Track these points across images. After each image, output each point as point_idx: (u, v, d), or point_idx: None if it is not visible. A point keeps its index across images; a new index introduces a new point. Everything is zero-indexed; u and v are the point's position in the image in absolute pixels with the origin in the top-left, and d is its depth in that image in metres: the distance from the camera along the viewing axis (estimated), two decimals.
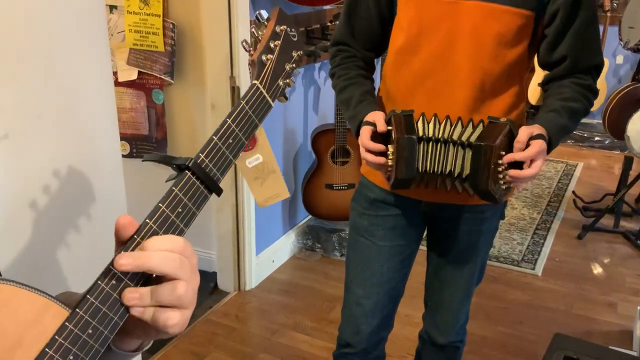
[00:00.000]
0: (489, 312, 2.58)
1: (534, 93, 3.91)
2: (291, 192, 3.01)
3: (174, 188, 0.62)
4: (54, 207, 1.49)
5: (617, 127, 3.90)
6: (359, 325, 1.52)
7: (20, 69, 1.36)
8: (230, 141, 0.68)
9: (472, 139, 1.20)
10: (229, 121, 0.68)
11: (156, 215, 0.61)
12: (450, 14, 1.25)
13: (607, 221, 3.33)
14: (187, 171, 0.64)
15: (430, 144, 1.22)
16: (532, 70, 3.93)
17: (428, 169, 1.23)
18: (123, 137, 2.59)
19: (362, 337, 1.52)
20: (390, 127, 1.23)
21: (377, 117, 1.26)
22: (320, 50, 2.75)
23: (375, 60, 1.51)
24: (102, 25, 1.58)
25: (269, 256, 2.88)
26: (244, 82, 2.40)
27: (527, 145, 1.16)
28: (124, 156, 1.79)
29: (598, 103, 4.18)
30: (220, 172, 0.67)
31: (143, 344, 0.66)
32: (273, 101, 0.75)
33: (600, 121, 4.35)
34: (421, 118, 1.24)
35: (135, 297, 0.58)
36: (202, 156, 0.65)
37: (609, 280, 2.86)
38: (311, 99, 3.03)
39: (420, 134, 1.22)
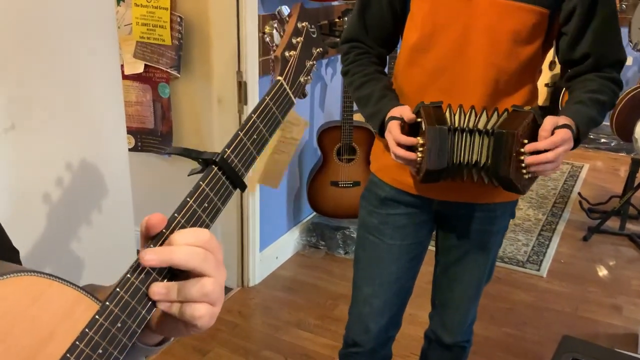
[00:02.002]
0: (494, 313, 2.56)
1: (540, 94, 3.88)
2: (296, 189, 3.00)
3: (201, 183, 0.62)
4: (61, 198, 1.48)
5: (625, 129, 3.88)
6: (367, 324, 1.51)
7: (27, 61, 1.35)
8: (255, 137, 0.68)
9: (494, 126, 1.19)
10: (254, 117, 0.68)
11: (184, 210, 0.60)
12: (465, 11, 1.23)
13: (612, 223, 3.32)
14: (213, 166, 0.63)
15: (458, 134, 1.20)
16: (539, 71, 3.91)
17: (457, 159, 1.21)
18: (128, 131, 2.58)
19: (371, 337, 1.51)
20: (419, 119, 1.21)
21: (403, 111, 1.24)
22: (328, 46, 2.75)
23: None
24: (110, 17, 1.57)
25: (273, 253, 2.87)
26: (251, 77, 2.39)
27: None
28: (129, 150, 1.77)
29: None
30: (244, 167, 0.66)
31: (166, 338, 0.66)
32: (295, 97, 0.75)
33: (607, 123, 4.32)
34: (448, 109, 1.22)
35: (162, 292, 0.58)
36: (228, 151, 0.65)
37: (614, 283, 2.85)
38: (317, 96, 3.02)
39: (449, 124, 1.20)
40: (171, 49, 2.48)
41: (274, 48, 0.78)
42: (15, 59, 1.31)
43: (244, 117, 2.42)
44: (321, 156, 2.88)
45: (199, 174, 0.64)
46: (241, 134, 0.67)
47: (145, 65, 2.54)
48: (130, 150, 1.98)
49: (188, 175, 0.62)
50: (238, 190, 0.66)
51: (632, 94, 3.97)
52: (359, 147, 2.83)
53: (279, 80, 0.73)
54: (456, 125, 1.20)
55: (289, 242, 3.00)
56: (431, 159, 1.18)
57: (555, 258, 3.05)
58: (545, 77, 4.56)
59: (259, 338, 2.40)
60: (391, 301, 1.49)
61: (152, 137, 2.68)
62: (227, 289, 2.71)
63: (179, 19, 2.43)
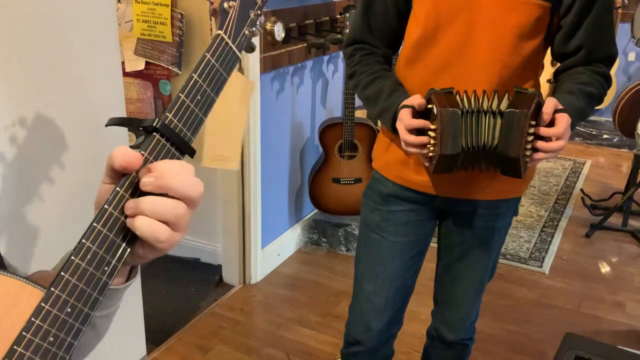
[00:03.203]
0: (496, 310, 2.56)
1: (542, 89, 3.87)
2: (297, 186, 3.00)
3: (143, 152, 0.59)
4: (61, 196, 1.47)
5: (627, 125, 3.87)
6: (369, 322, 1.50)
7: (28, 57, 1.34)
8: (199, 97, 0.64)
9: (503, 107, 1.18)
10: (195, 76, 0.64)
11: (127, 183, 0.58)
12: (468, 6, 1.23)
13: (615, 220, 3.31)
14: (155, 133, 0.60)
15: (469, 116, 1.18)
16: (541, 67, 3.90)
17: (471, 143, 1.19)
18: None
19: (372, 334, 1.51)
20: (430, 105, 1.18)
21: (414, 99, 1.21)
22: (329, 42, 2.75)
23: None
24: (111, 14, 1.57)
25: (275, 250, 2.86)
26: (253, 73, 2.38)
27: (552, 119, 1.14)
28: (130, 147, 1.77)
29: (608, 100, 4.16)
30: (190, 131, 0.63)
31: (130, 275, 0.65)
32: (240, 52, 0.70)
33: (609, 119, 4.31)
34: (457, 94, 1.20)
35: (132, 205, 0.56)
36: (170, 116, 0.61)
37: (617, 279, 2.84)
38: (319, 92, 3.01)
39: (462, 107, 1.18)
40: (172, 45, 2.47)
41: (212, 1, 0.72)
42: (16, 56, 1.31)
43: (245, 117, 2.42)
44: (323, 153, 2.88)
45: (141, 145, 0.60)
46: (182, 96, 0.62)
47: (146, 62, 2.54)
48: (131, 147, 1.97)
49: (130, 147, 0.59)
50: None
51: (635, 89, 3.96)
52: (360, 143, 2.83)
53: (219, 34, 0.68)
54: (466, 107, 1.18)
55: (290, 239, 2.99)
56: (445, 143, 1.15)
57: (558, 255, 3.05)
58: (547, 73, 4.54)
59: (260, 335, 2.39)
60: (393, 299, 1.49)
61: None
62: (229, 286, 2.71)
63: (179, 16, 2.42)
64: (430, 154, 1.18)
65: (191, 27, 2.46)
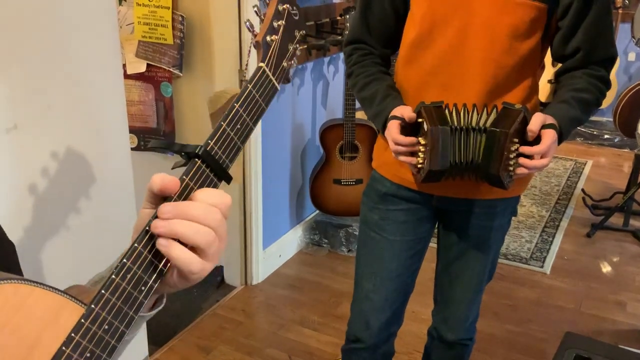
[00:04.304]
0: (497, 310, 2.56)
1: (543, 90, 3.88)
2: (298, 187, 3.01)
3: (184, 177, 0.61)
4: (63, 198, 1.48)
5: (628, 125, 3.87)
6: (368, 320, 1.51)
7: (30, 60, 1.35)
8: (239, 127, 0.66)
9: (488, 124, 1.20)
10: (237, 106, 0.66)
11: None
12: (464, 8, 1.24)
13: (616, 220, 3.31)
14: (196, 159, 0.62)
15: (457, 133, 1.21)
16: (542, 67, 3.90)
17: (458, 159, 1.21)
18: (131, 130, 2.58)
19: (372, 332, 1.51)
20: (420, 119, 1.21)
21: (404, 110, 1.24)
22: (330, 44, 2.75)
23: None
24: (112, 16, 1.58)
25: (276, 251, 2.87)
26: None
27: (539, 134, 1.16)
28: (132, 149, 1.78)
29: (608, 100, 4.16)
30: (229, 159, 0.65)
31: (157, 303, 0.66)
32: (279, 83, 0.73)
33: (610, 119, 4.31)
34: (446, 109, 1.22)
35: (161, 223, 0.58)
36: (212, 143, 0.63)
37: (618, 279, 2.84)
38: (320, 94, 3.02)
39: (450, 123, 1.20)
40: (173, 48, 2.48)
41: (255, 33, 0.74)
42: (18, 59, 1.32)
43: None
44: (324, 154, 2.89)
45: (182, 167, 0.63)
46: (224, 125, 0.65)
47: (148, 65, 2.55)
48: (133, 149, 1.98)
49: (172, 169, 0.61)
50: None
51: (635, 89, 3.96)
52: (361, 144, 2.83)
53: (261, 67, 0.70)
54: (455, 124, 1.21)
55: (292, 240, 3.00)
56: (434, 160, 1.18)
57: (559, 255, 3.05)
58: (548, 73, 4.54)
59: (262, 336, 2.40)
60: (392, 297, 1.50)
61: (154, 136, 2.68)
62: (231, 287, 2.72)
63: (180, 18, 2.43)
64: (419, 166, 1.21)
65: (192, 30, 2.47)
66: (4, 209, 1.34)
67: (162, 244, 0.58)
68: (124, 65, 2.47)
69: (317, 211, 3.09)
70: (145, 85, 2.60)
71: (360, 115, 2.89)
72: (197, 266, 0.59)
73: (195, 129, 2.61)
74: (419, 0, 1.29)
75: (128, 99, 2.53)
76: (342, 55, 1.57)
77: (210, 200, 0.60)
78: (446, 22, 1.26)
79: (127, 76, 2.51)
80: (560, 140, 1.21)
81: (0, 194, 1.33)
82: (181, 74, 2.54)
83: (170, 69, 2.52)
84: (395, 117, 1.24)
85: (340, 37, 2.80)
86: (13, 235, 0.79)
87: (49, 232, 1.47)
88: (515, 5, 1.22)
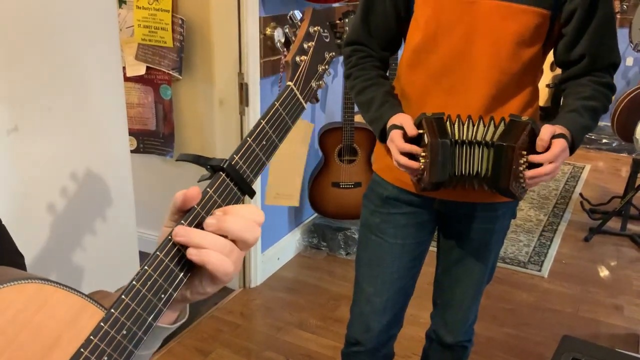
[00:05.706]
0: (495, 314, 2.56)
1: (540, 94, 3.89)
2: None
3: (208, 190, 0.62)
4: (63, 200, 1.48)
5: (626, 129, 3.88)
6: (368, 322, 1.51)
7: (31, 62, 1.35)
8: (264, 143, 0.68)
9: (495, 138, 1.19)
10: (263, 122, 0.68)
11: (191, 218, 0.61)
12: (468, 13, 1.24)
13: (614, 224, 3.32)
14: (221, 172, 0.63)
15: (459, 146, 1.21)
16: (541, 72, 3.91)
17: (459, 171, 1.22)
18: (130, 133, 2.59)
19: (372, 335, 1.52)
20: (421, 131, 1.21)
21: (405, 121, 1.24)
22: None
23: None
24: (112, 19, 1.58)
25: (275, 254, 2.87)
26: (253, 78, 2.40)
27: (549, 144, 1.16)
28: (131, 151, 1.78)
29: None
30: (253, 174, 0.66)
31: (179, 317, 0.67)
32: (306, 103, 0.75)
33: (608, 123, 4.33)
34: (448, 120, 1.23)
35: (182, 232, 0.59)
36: (237, 158, 0.65)
37: (615, 283, 2.85)
38: (319, 97, 3.02)
39: (451, 136, 1.21)
40: (173, 51, 2.49)
41: (285, 53, 0.77)
42: (18, 61, 1.32)
43: (246, 119, 2.43)
44: (322, 157, 2.89)
45: (207, 180, 0.64)
46: (250, 140, 0.66)
47: (147, 67, 2.56)
48: (132, 151, 1.99)
49: (198, 182, 0.62)
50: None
51: (632, 94, 3.97)
52: (360, 148, 2.84)
53: (289, 86, 0.73)
54: (457, 137, 1.21)
55: (290, 243, 3.00)
56: (434, 172, 1.19)
57: (557, 258, 3.06)
58: (546, 77, 4.56)
59: (260, 339, 2.40)
60: (392, 300, 1.50)
61: (154, 138, 2.69)
62: (229, 290, 2.72)
63: (180, 21, 2.44)
64: (419, 176, 1.22)
65: (192, 33, 2.48)
66: (4, 210, 1.34)
67: (192, 253, 0.59)
68: (124, 68, 2.48)
69: (316, 214, 3.09)
70: (145, 87, 2.61)
71: (359, 118, 2.90)
72: (230, 267, 0.60)
73: (194, 131, 2.62)
74: (423, 5, 1.29)
75: (127, 101, 2.53)
76: (341, 59, 1.57)
77: (252, 217, 0.62)
78: (451, 28, 1.26)
79: (126, 79, 2.51)
80: (572, 150, 1.22)
81: (0, 194, 1.33)
82: (180, 77, 2.54)
83: (170, 72, 2.53)
84: (395, 127, 1.24)
85: (339, 41, 2.81)
86: (12, 236, 0.79)
87: (49, 233, 1.47)
88: (520, 12, 1.22)
